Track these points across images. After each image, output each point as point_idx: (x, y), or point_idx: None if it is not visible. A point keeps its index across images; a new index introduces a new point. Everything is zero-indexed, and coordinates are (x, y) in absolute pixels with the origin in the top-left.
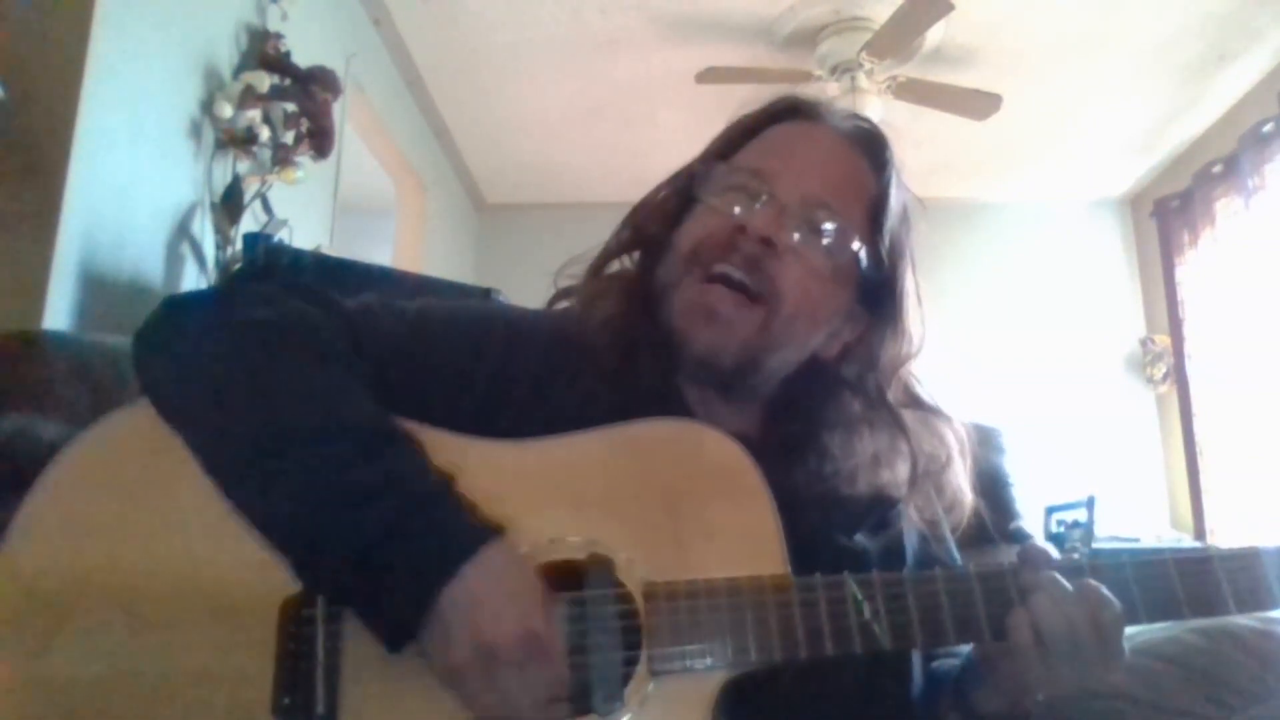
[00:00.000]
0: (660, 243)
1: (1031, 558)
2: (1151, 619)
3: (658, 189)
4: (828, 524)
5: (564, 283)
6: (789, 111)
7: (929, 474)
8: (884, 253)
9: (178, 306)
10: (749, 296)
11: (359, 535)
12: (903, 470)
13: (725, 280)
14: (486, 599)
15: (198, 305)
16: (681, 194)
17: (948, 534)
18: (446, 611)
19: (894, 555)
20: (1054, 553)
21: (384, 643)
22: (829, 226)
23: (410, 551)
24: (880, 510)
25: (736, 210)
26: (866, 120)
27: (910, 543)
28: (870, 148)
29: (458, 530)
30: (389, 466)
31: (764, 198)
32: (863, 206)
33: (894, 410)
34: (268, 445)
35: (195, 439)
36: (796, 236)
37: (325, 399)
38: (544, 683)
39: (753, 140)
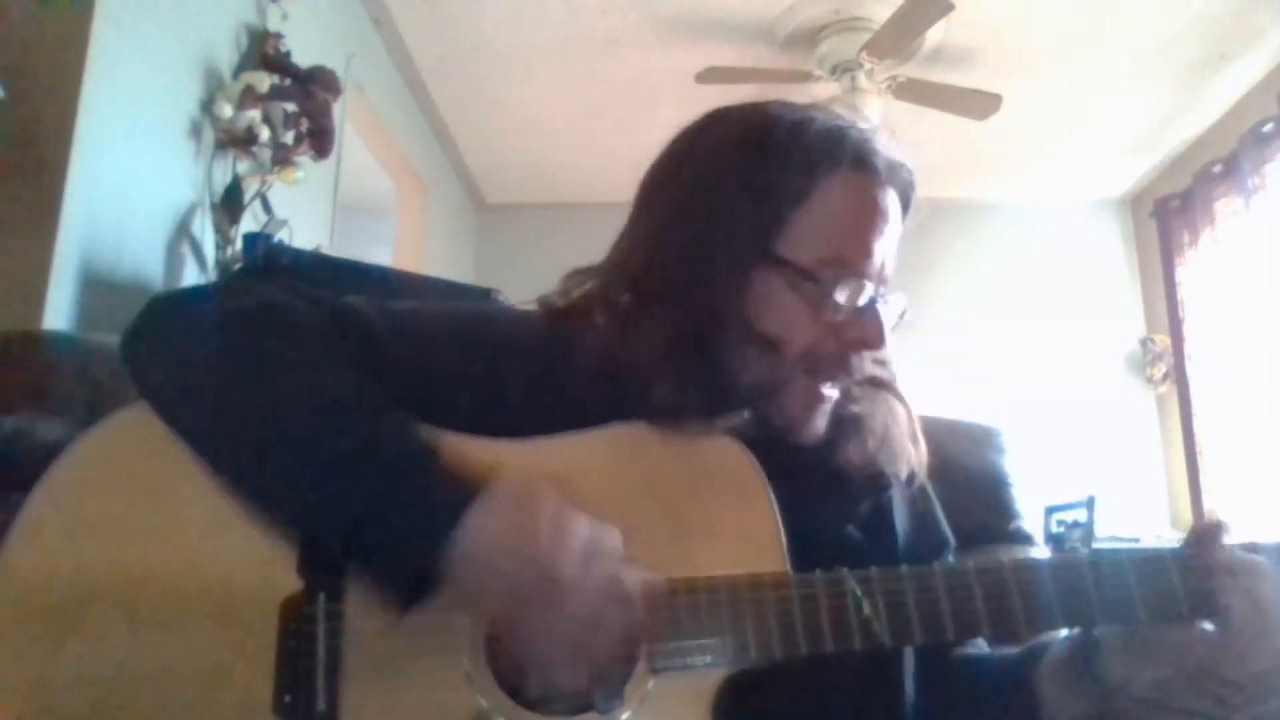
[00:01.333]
0: (722, 312)
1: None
2: (1152, 618)
3: (701, 241)
4: (828, 518)
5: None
6: (846, 156)
7: (891, 435)
8: None
9: (164, 303)
10: None
11: (360, 497)
12: (878, 427)
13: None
14: (514, 524)
15: (185, 301)
16: (747, 258)
17: (935, 505)
18: (473, 548)
19: (885, 541)
20: (1046, 552)
21: (399, 602)
22: (895, 304)
23: (416, 502)
24: (875, 500)
25: (834, 313)
26: (910, 171)
27: (900, 524)
28: (908, 199)
29: (459, 477)
30: (380, 427)
31: (859, 296)
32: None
33: (878, 378)
34: (256, 427)
35: (186, 431)
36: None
37: (311, 374)
38: (612, 579)
39: (813, 197)
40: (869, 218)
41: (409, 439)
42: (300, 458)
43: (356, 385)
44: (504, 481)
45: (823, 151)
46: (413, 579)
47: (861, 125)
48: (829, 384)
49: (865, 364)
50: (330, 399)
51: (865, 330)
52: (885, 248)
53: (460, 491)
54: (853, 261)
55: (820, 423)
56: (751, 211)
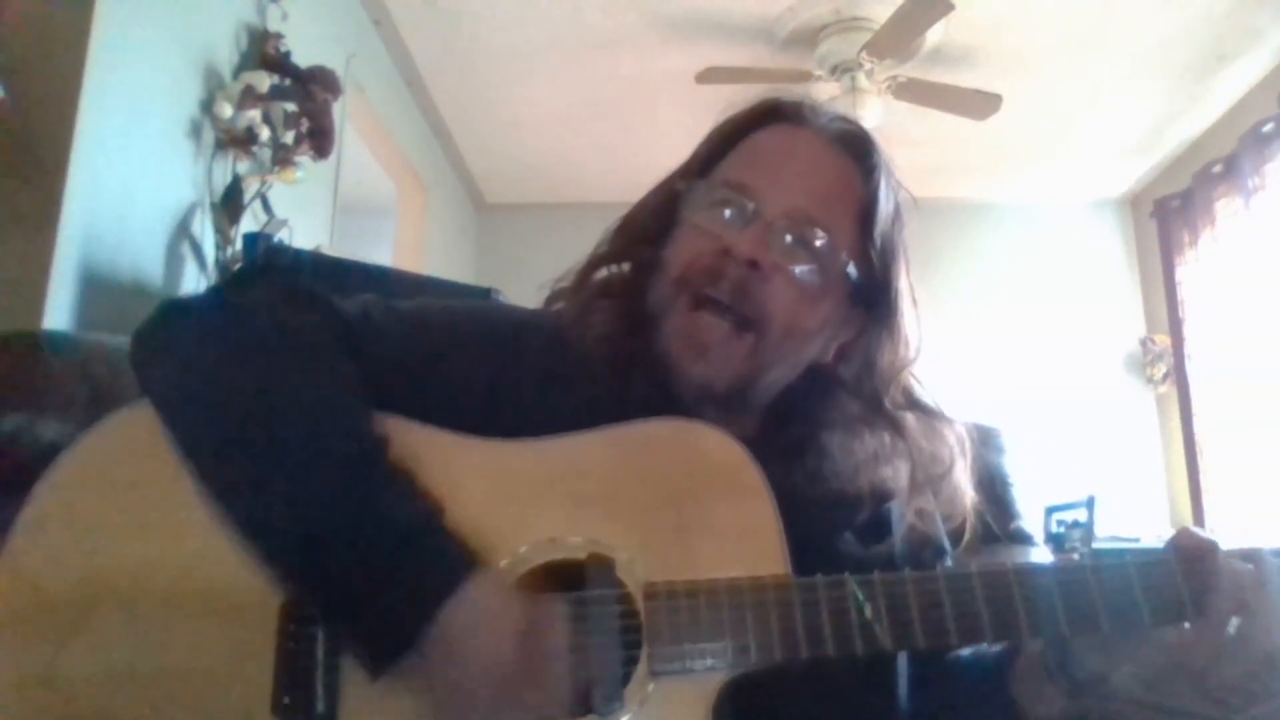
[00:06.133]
0: (649, 260)
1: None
2: (1156, 621)
3: (643, 202)
4: (827, 525)
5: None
6: (772, 115)
7: (929, 478)
8: (875, 257)
9: (176, 310)
10: (737, 323)
11: (344, 562)
12: (902, 471)
13: (713, 305)
14: (480, 623)
15: (196, 310)
16: (667, 209)
17: (943, 538)
18: (442, 636)
19: (882, 556)
20: (1047, 552)
21: (368, 667)
22: (816, 241)
23: (397, 582)
24: (875, 509)
25: (721, 230)
26: (852, 122)
27: (896, 542)
28: (857, 150)
29: (443, 562)
30: (376, 494)
31: (749, 215)
32: (851, 213)
33: (891, 415)
34: (257, 462)
35: (189, 448)
36: (782, 255)
37: (317, 416)
38: (545, 699)
39: (736, 148)
40: (777, 153)
41: (400, 503)
42: (291, 502)
43: (363, 432)
44: (484, 579)
45: (751, 115)
46: (388, 648)
47: (799, 96)
48: (705, 309)
49: (757, 292)
50: (326, 440)
51: (738, 240)
52: (799, 183)
53: (444, 577)
54: (752, 187)
55: (698, 365)
56: (685, 176)
